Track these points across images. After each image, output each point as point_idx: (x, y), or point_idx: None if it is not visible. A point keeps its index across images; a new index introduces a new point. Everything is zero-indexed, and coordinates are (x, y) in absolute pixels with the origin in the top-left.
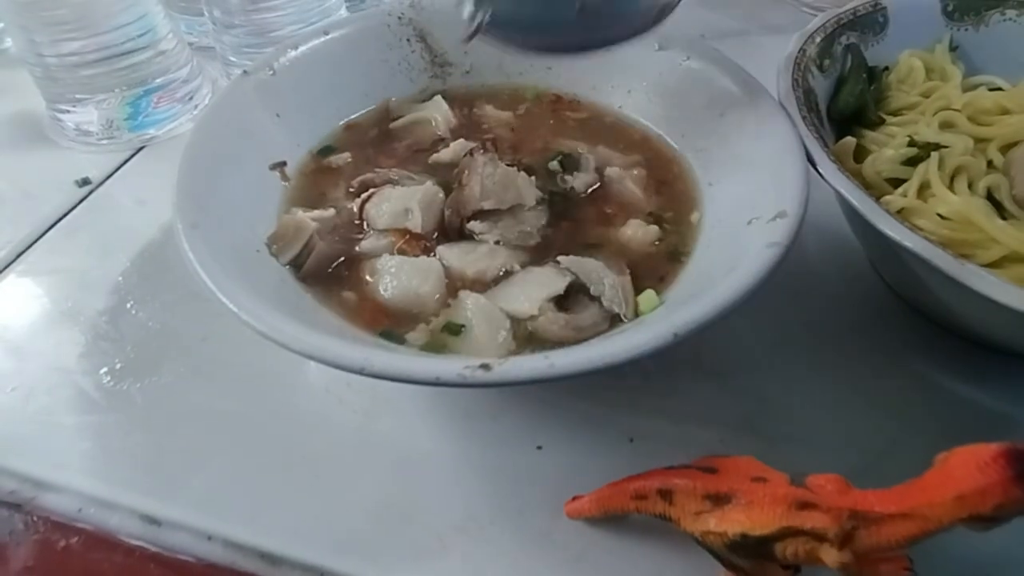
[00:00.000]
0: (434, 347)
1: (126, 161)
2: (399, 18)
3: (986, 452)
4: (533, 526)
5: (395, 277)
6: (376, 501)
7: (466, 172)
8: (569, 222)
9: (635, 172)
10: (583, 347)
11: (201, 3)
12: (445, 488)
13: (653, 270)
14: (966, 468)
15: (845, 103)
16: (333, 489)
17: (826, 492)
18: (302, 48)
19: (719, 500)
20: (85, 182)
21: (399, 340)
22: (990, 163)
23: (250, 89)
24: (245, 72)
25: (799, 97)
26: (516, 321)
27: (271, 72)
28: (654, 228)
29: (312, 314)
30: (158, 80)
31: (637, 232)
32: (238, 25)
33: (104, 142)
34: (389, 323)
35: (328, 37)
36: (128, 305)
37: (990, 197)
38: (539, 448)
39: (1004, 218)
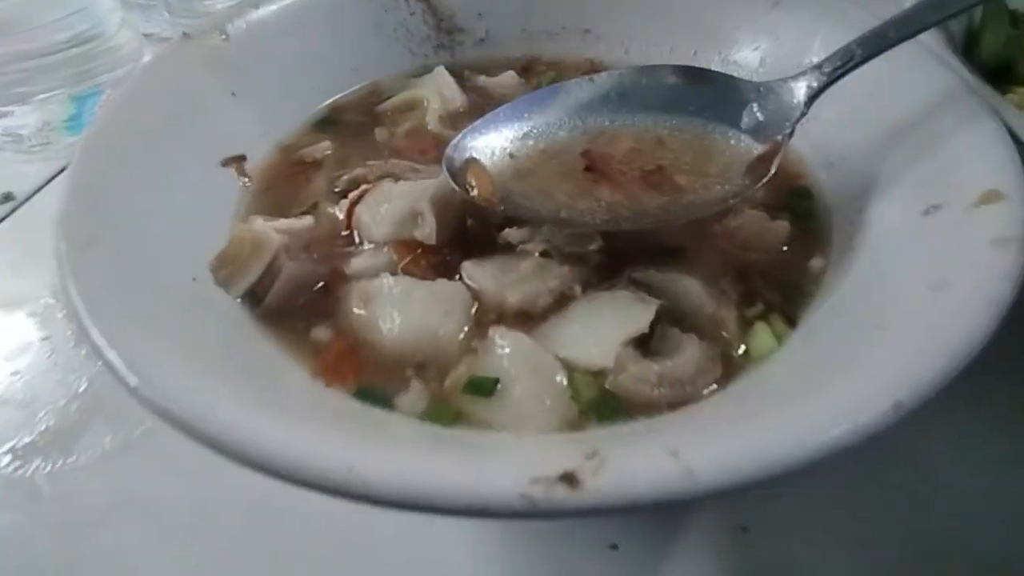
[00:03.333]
0: (441, 416)
1: (61, 172)
2: None
3: None
4: None
5: (400, 309)
6: None
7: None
8: None
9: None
10: (738, 436)
11: None
12: None
13: (783, 284)
14: None
15: (990, 54)
16: None
17: None
18: (267, 8)
19: None
20: (7, 198)
21: (384, 403)
22: None
23: (193, 59)
24: (186, 35)
25: (948, 40)
26: (579, 375)
27: (222, 37)
28: (783, 224)
29: (272, 372)
30: (108, 76)
31: (761, 228)
32: (200, 13)
33: (36, 149)
34: (371, 377)
35: None
36: (48, 355)
37: None
38: (614, 548)
39: None
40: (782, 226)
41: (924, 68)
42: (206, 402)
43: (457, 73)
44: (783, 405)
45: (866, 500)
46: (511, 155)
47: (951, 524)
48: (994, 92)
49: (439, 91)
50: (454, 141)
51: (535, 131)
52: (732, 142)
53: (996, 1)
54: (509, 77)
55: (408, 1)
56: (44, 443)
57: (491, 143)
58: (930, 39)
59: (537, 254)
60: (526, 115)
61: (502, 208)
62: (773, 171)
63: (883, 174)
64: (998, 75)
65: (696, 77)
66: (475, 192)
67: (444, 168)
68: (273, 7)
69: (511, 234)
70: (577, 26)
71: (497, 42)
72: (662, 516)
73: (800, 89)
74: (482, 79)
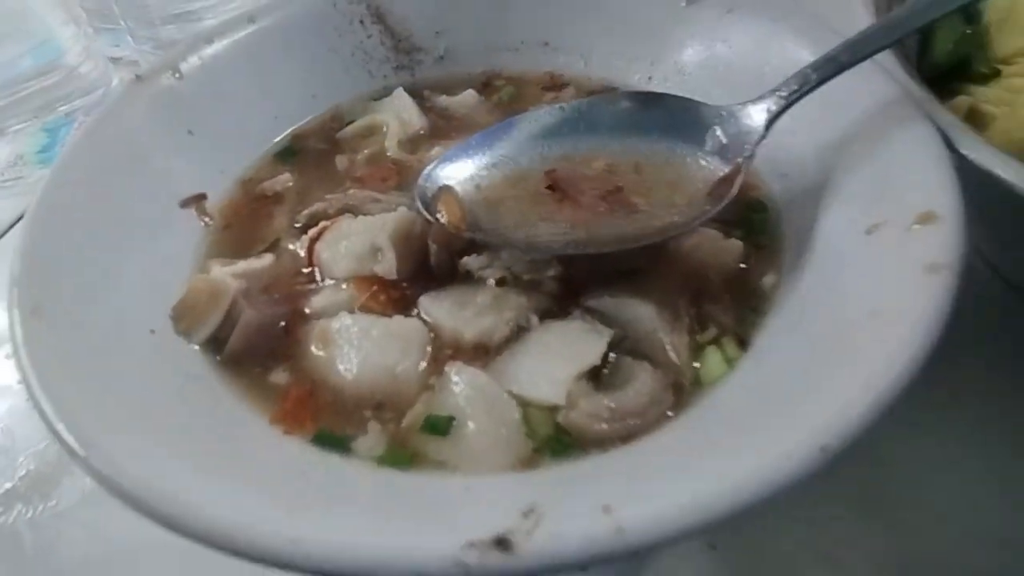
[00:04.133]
0: (398, 459)
1: None
2: None
3: None
4: None
5: (358, 348)
6: None
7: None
8: None
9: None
10: (670, 486)
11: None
12: None
13: (736, 305)
14: None
15: (943, 53)
16: None
17: None
18: (220, 43)
19: None
20: None
21: (342, 448)
22: None
23: (146, 101)
24: (138, 77)
25: (897, 49)
26: (533, 411)
27: (176, 76)
28: (737, 243)
29: (229, 424)
30: (80, 101)
31: (715, 247)
32: (161, 38)
33: (8, 183)
34: (330, 420)
35: (256, 27)
36: (26, 399)
37: None
38: (583, 569)
39: None
40: (735, 244)
41: (871, 81)
42: (151, 473)
43: (417, 93)
44: (717, 449)
45: (837, 515)
46: (479, 184)
47: (927, 540)
48: (939, 105)
49: (398, 115)
50: (426, 171)
51: (505, 159)
52: (697, 164)
53: None
54: (469, 96)
55: (364, 23)
56: (25, 488)
57: (461, 171)
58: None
59: (494, 283)
60: (497, 143)
61: (469, 234)
62: (734, 192)
63: (831, 187)
64: (953, 74)
65: (661, 102)
66: (444, 219)
67: (416, 198)
68: (226, 41)
69: (470, 262)
70: (536, 39)
71: (457, 59)
72: None
73: (759, 113)
74: (442, 99)
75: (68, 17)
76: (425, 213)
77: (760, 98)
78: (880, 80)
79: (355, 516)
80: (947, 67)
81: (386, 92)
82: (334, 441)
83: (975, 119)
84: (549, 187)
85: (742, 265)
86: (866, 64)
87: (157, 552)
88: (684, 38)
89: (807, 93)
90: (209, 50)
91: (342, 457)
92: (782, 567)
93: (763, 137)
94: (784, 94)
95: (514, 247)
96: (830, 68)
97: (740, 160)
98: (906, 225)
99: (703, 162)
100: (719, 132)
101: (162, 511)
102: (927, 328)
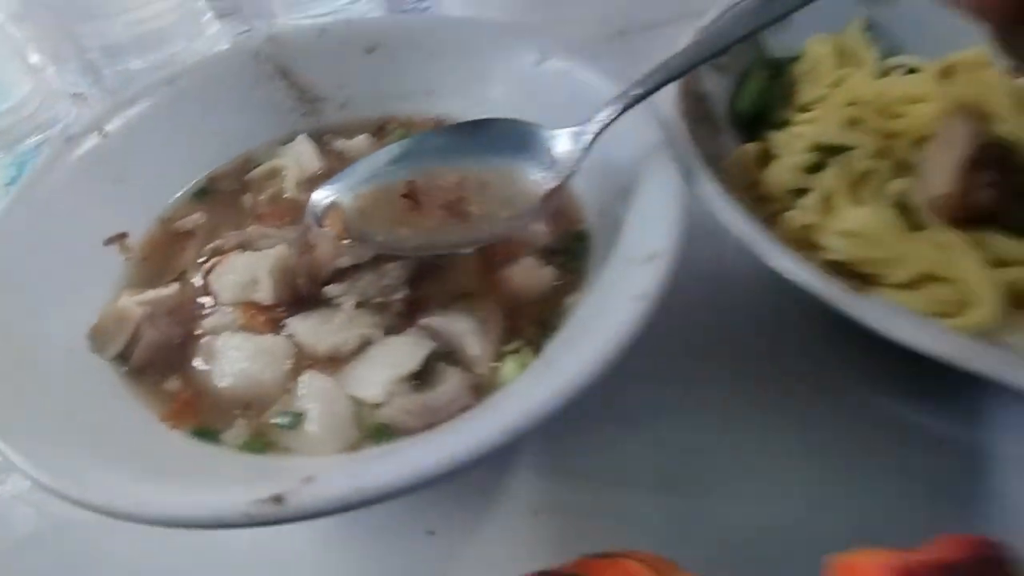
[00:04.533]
0: (256, 446)
1: None
2: (255, 55)
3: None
4: None
5: (233, 361)
6: None
7: (311, 233)
8: (444, 268)
9: None
10: (396, 456)
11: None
12: None
13: (541, 321)
14: None
15: (746, 103)
16: None
17: None
18: (142, 104)
19: None
20: None
21: (214, 438)
22: (901, 163)
23: (75, 159)
24: (68, 137)
25: (686, 106)
26: (364, 408)
27: (102, 135)
28: (549, 269)
29: (127, 421)
30: (51, 131)
31: (530, 273)
32: (108, 86)
33: None
34: (207, 418)
35: (175, 86)
36: None
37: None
38: (431, 534)
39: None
40: (548, 271)
41: (646, 129)
42: (55, 457)
43: (320, 137)
44: (460, 432)
45: (656, 496)
46: (357, 195)
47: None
48: (694, 150)
49: (297, 159)
50: (315, 192)
51: (377, 175)
52: (529, 180)
53: (759, 49)
54: (363, 139)
55: (273, 80)
56: None
57: (343, 189)
58: (672, 110)
59: (352, 305)
60: (371, 165)
61: (348, 240)
62: (552, 206)
63: (620, 222)
64: (759, 120)
65: (506, 126)
66: (330, 230)
67: (309, 215)
68: (148, 102)
69: (330, 290)
70: (423, 88)
71: (356, 106)
72: (474, 505)
73: (579, 136)
74: (340, 143)
75: (26, 67)
76: (315, 226)
77: (581, 123)
78: (651, 127)
79: (194, 485)
80: (751, 113)
81: (293, 136)
82: (208, 433)
83: (767, 162)
84: (405, 195)
85: (556, 284)
86: (644, 112)
87: (97, 526)
88: (537, 89)
89: (613, 122)
90: (134, 110)
91: (213, 445)
92: (596, 531)
93: (582, 159)
94: (599, 118)
95: (380, 249)
96: (626, 102)
97: (562, 178)
98: (642, 260)
99: (534, 179)
100: (551, 153)
101: (52, 487)
102: (607, 348)
